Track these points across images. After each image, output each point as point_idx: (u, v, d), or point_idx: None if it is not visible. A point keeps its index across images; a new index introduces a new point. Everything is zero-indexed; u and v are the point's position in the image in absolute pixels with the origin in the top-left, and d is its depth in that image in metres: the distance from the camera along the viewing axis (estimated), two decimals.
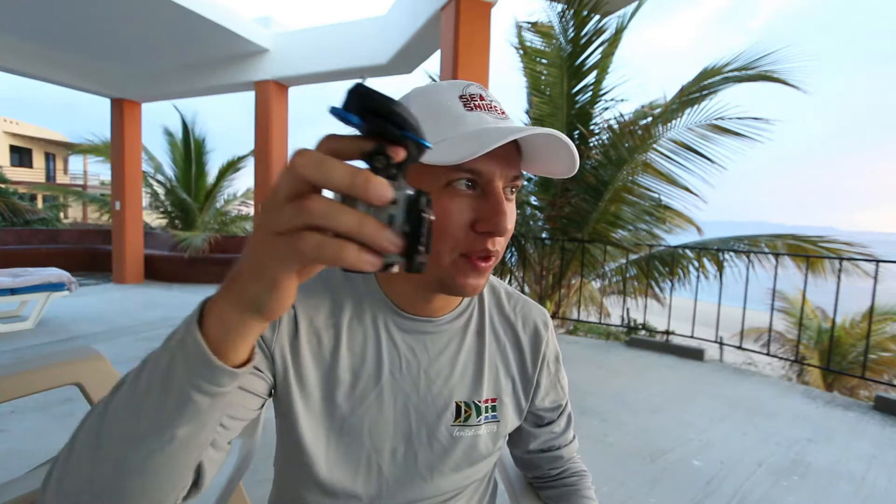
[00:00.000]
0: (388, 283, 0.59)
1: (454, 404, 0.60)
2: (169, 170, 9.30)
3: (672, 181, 4.49)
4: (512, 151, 0.51)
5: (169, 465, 0.36)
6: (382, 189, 0.26)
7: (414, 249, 0.28)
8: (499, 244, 0.51)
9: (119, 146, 6.84)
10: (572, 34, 4.19)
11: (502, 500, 0.77)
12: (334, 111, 0.27)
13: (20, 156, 23.44)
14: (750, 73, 3.91)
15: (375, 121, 0.27)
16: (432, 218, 0.28)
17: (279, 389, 0.56)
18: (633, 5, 4.22)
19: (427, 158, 0.47)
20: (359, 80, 0.27)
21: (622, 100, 4.66)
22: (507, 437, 0.68)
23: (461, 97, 0.51)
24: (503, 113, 0.53)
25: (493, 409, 0.63)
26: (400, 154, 0.28)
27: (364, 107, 0.26)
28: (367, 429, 0.58)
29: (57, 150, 24.21)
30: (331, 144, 0.27)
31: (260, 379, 0.53)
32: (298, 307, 0.56)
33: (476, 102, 0.51)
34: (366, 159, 0.27)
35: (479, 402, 0.62)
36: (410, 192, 0.28)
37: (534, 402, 0.67)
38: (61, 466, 0.38)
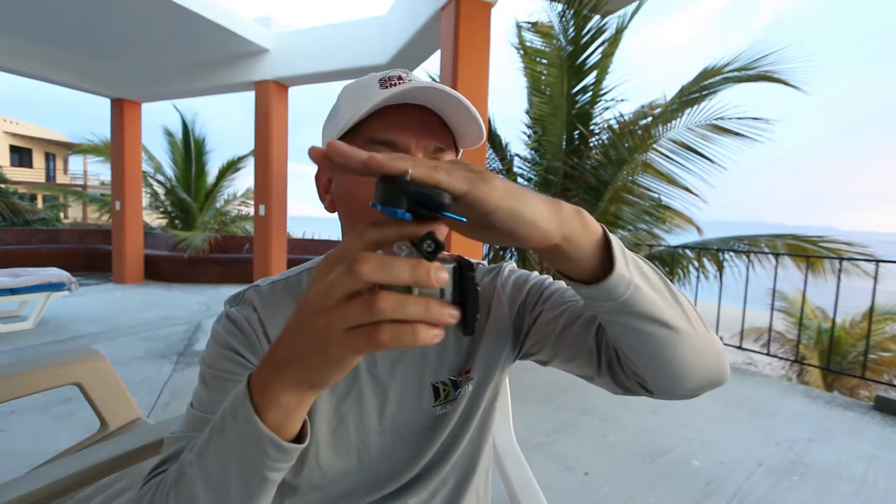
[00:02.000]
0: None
1: (430, 386, 0.61)
2: (169, 170, 9.31)
3: (672, 181, 4.48)
4: (432, 123, 0.52)
5: None
6: (442, 277, 0.28)
7: (470, 317, 0.30)
8: None
9: (119, 146, 6.84)
10: (572, 34, 4.19)
11: (503, 502, 0.77)
12: (384, 209, 0.30)
13: (20, 156, 23.45)
14: (750, 74, 3.91)
15: (423, 212, 0.30)
16: (479, 287, 0.30)
17: None
18: (634, 5, 4.22)
19: (329, 135, 0.51)
20: (401, 178, 0.29)
21: (622, 100, 4.66)
22: (496, 396, 0.66)
23: (380, 80, 0.53)
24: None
25: (470, 376, 0.63)
26: (442, 233, 0.31)
27: (411, 201, 0.29)
28: (352, 425, 0.59)
29: (57, 150, 24.22)
30: (378, 235, 0.31)
31: None
32: (269, 326, 0.56)
33: (393, 82, 0.52)
34: (414, 244, 0.30)
35: (456, 377, 0.62)
36: (453, 264, 0.31)
37: (521, 323, 0.63)
38: None
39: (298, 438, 0.38)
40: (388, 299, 0.28)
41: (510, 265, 0.70)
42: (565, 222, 0.36)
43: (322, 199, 0.60)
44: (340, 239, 0.62)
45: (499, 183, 0.33)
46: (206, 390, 0.53)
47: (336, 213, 0.60)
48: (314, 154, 0.31)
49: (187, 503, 0.38)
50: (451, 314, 0.29)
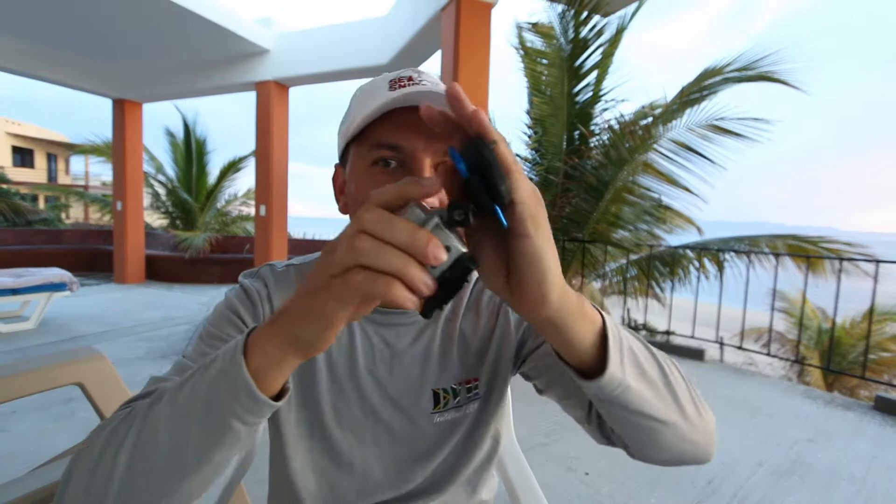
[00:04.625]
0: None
1: (430, 391, 0.61)
2: (170, 170, 9.32)
3: (672, 181, 4.48)
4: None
5: (198, 484, 0.38)
6: (438, 253, 0.28)
7: (441, 300, 0.30)
8: None
9: (120, 146, 6.85)
10: (573, 35, 4.19)
11: (503, 502, 0.77)
12: (452, 153, 0.30)
13: (22, 156, 23.48)
14: (750, 74, 3.91)
15: (478, 184, 0.29)
16: (472, 279, 0.30)
17: None
18: (634, 6, 4.22)
19: (342, 137, 0.52)
20: (492, 142, 0.30)
21: (623, 100, 4.66)
22: (504, 418, 0.67)
23: (391, 81, 0.53)
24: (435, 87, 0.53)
25: (475, 388, 0.63)
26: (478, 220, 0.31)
27: (478, 168, 0.29)
28: (349, 423, 0.59)
29: (58, 151, 24.25)
30: (380, 198, 0.31)
31: None
32: (277, 304, 0.58)
33: (402, 83, 0.52)
34: (450, 204, 0.30)
35: (457, 385, 0.62)
36: (463, 249, 0.30)
37: (524, 345, 0.63)
38: (86, 473, 0.38)
39: (277, 400, 0.37)
40: (367, 241, 0.28)
41: None
42: (566, 298, 0.36)
43: (337, 200, 0.60)
44: None
45: (546, 221, 0.34)
46: (201, 345, 0.53)
47: (348, 215, 0.60)
48: (428, 110, 0.32)
49: (150, 431, 0.37)
50: (427, 284, 0.29)
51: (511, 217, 0.31)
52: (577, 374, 0.42)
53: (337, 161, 0.60)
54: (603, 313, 0.42)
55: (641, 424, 0.44)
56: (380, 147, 0.50)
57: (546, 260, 0.33)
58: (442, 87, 0.49)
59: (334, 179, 0.61)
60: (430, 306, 0.30)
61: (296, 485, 0.59)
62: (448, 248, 0.29)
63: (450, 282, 0.30)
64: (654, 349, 0.47)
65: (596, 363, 0.41)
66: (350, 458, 0.59)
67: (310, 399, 0.58)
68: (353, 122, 0.52)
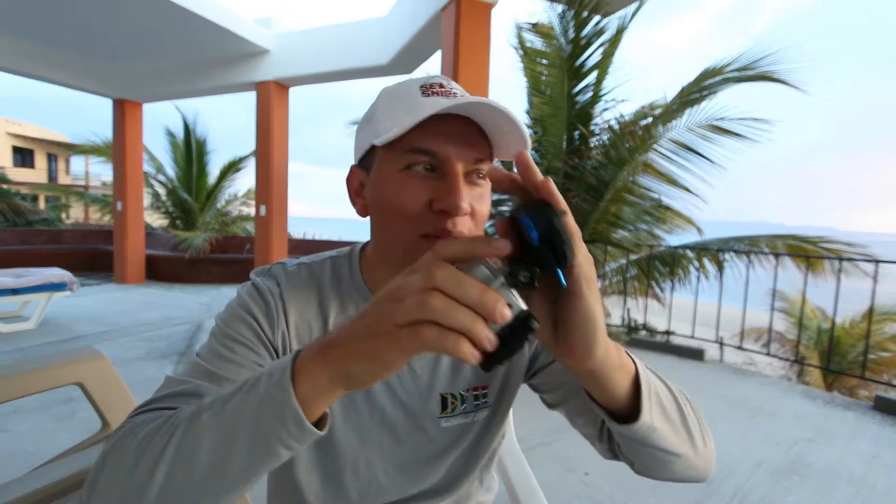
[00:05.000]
0: (372, 277, 0.60)
1: (438, 396, 0.61)
2: (170, 170, 9.33)
3: (672, 181, 4.48)
4: (473, 133, 0.51)
5: (233, 497, 0.39)
6: (504, 313, 0.30)
7: (502, 356, 0.31)
8: (462, 225, 0.50)
9: (120, 147, 6.85)
10: (573, 35, 4.19)
11: (503, 502, 0.77)
12: (525, 221, 0.32)
13: (22, 156, 23.49)
14: (750, 74, 3.91)
15: (547, 250, 0.32)
16: (533, 334, 0.32)
17: None
18: (634, 6, 4.21)
19: (381, 140, 0.50)
20: (561, 212, 0.32)
21: (623, 100, 4.65)
22: (507, 422, 0.68)
23: (421, 87, 0.53)
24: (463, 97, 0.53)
25: (484, 396, 0.63)
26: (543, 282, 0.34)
27: (549, 236, 0.32)
28: (354, 423, 0.59)
29: (59, 151, 24.26)
30: (447, 252, 0.32)
31: None
32: (289, 302, 0.57)
33: (434, 90, 0.52)
34: (513, 264, 0.32)
35: (465, 391, 0.62)
36: (523, 307, 0.32)
37: (537, 358, 0.64)
38: (122, 476, 0.39)
39: (317, 426, 0.38)
40: (440, 299, 0.30)
41: None
42: (608, 351, 0.40)
43: (354, 202, 0.59)
44: (370, 241, 0.62)
45: (596, 281, 0.36)
46: (216, 345, 0.53)
47: (367, 217, 0.59)
48: (496, 172, 0.35)
49: (192, 445, 0.37)
50: (491, 341, 0.30)
51: (568, 278, 0.34)
52: (609, 417, 0.46)
53: (353, 163, 0.59)
54: (636, 360, 0.45)
55: (657, 457, 0.48)
56: (414, 152, 0.49)
57: (597, 319, 0.36)
58: (471, 97, 0.49)
59: (349, 181, 0.60)
60: (491, 361, 0.32)
61: (300, 484, 0.59)
62: (510, 306, 0.31)
63: (511, 338, 0.31)
64: (672, 386, 0.51)
65: (628, 407, 0.45)
66: (354, 458, 0.59)
67: None
68: (383, 125, 0.52)
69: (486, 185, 0.54)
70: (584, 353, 0.37)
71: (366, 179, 0.57)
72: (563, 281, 0.34)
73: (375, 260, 0.60)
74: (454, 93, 0.53)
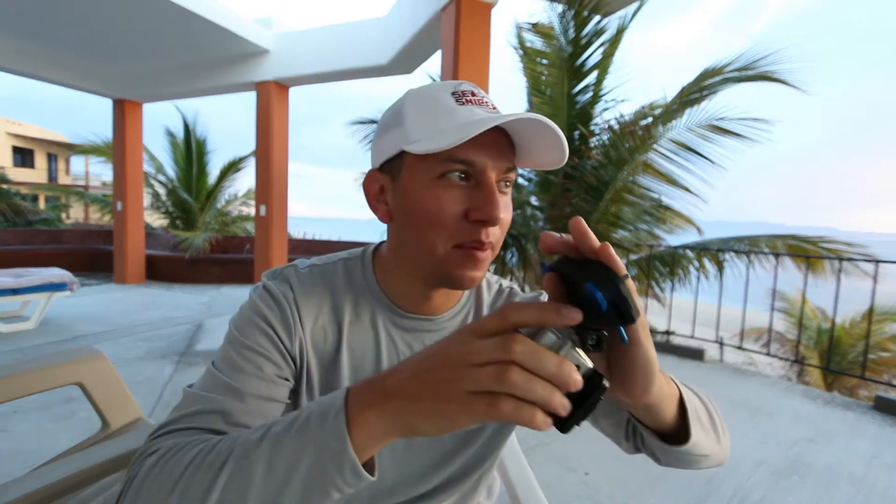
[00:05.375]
0: (388, 280, 0.60)
1: None
2: (170, 170, 9.34)
3: (672, 181, 4.48)
4: (504, 144, 0.52)
5: None
6: (578, 381, 0.31)
7: (577, 418, 0.32)
8: (492, 235, 0.51)
9: (120, 147, 6.85)
10: (573, 35, 4.19)
11: (503, 502, 0.77)
12: (592, 289, 0.32)
13: (22, 156, 23.49)
14: (750, 74, 3.91)
15: (615, 316, 0.33)
16: (602, 397, 0.32)
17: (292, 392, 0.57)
18: (634, 6, 4.22)
19: (420, 148, 0.49)
20: (625, 276, 0.33)
21: (623, 100, 4.66)
22: (513, 426, 0.68)
23: (453, 94, 0.52)
24: (494, 108, 0.53)
25: None
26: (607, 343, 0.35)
27: (616, 304, 0.32)
28: None
29: (59, 151, 24.26)
30: (519, 318, 0.32)
31: (286, 387, 0.55)
32: (303, 307, 0.57)
33: (468, 98, 0.52)
34: (580, 328, 0.34)
35: None
36: (590, 365, 0.33)
37: None
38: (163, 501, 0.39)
39: (366, 467, 0.38)
40: (520, 375, 0.30)
41: (546, 297, 0.69)
42: (661, 386, 0.42)
43: (374, 209, 0.58)
44: (386, 244, 0.61)
45: (647, 328, 0.38)
46: (232, 354, 0.52)
47: (387, 223, 0.58)
48: (550, 238, 0.37)
49: (242, 486, 0.37)
50: (565, 407, 0.31)
51: (629, 332, 0.36)
52: (658, 438, 0.49)
53: (371, 166, 0.58)
54: (677, 383, 0.49)
55: (690, 460, 0.51)
56: (451, 161, 0.49)
57: (654, 362, 0.39)
58: (523, 113, 0.48)
59: (367, 186, 0.58)
60: (567, 424, 0.32)
61: None
62: (578, 367, 0.32)
63: (583, 400, 0.32)
64: (700, 394, 0.54)
65: (674, 428, 0.48)
66: None
67: None
68: (421, 133, 0.50)
69: (510, 193, 0.55)
70: (642, 392, 0.40)
71: (388, 184, 0.56)
72: (626, 337, 0.36)
73: (393, 263, 0.59)
74: (486, 101, 0.53)
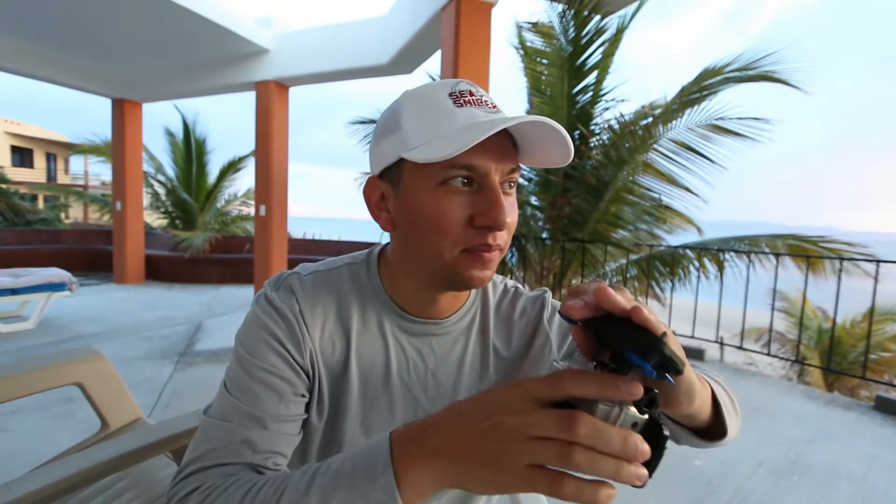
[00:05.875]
0: (393, 284, 0.59)
1: None
2: (170, 170, 9.32)
3: (672, 181, 4.48)
4: (507, 145, 0.51)
5: None
6: (646, 451, 0.30)
7: (651, 470, 0.32)
8: (500, 238, 0.51)
9: (120, 146, 6.85)
10: (573, 34, 4.19)
11: (503, 501, 0.77)
12: (634, 359, 0.31)
13: (21, 156, 23.46)
14: (751, 74, 3.90)
15: (662, 374, 0.32)
16: (666, 447, 0.32)
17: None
18: (634, 6, 4.21)
19: (421, 156, 0.48)
20: (663, 335, 0.32)
21: (623, 100, 4.65)
22: None
23: (451, 94, 0.51)
24: (494, 107, 0.52)
25: None
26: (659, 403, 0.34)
27: (663, 366, 0.32)
28: (377, 433, 0.58)
29: (58, 151, 24.24)
30: (577, 391, 0.31)
31: (302, 403, 0.55)
32: (309, 317, 0.55)
33: (466, 98, 0.51)
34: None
35: None
36: (645, 417, 0.32)
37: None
38: None
39: None
40: (583, 455, 0.30)
41: (550, 295, 0.69)
42: (701, 393, 0.43)
43: (376, 217, 0.57)
44: (391, 249, 0.60)
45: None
46: (245, 378, 0.52)
47: (390, 231, 0.58)
48: (572, 311, 0.34)
49: None
50: (640, 476, 0.31)
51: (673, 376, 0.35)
52: (695, 436, 0.50)
53: (370, 173, 0.57)
54: (709, 381, 0.48)
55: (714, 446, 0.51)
56: (453, 167, 0.48)
57: (695, 385, 0.40)
58: (525, 116, 0.48)
59: (368, 193, 0.57)
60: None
61: None
62: (635, 423, 0.32)
63: (655, 457, 0.32)
64: (721, 382, 0.54)
65: (708, 424, 0.48)
66: None
67: (339, 409, 0.57)
68: (420, 138, 0.49)
69: (514, 193, 0.54)
70: (686, 408, 0.41)
71: (389, 192, 0.55)
72: (671, 380, 0.35)
73: (399, 269, 0.58)
74: (485, 101, 0.52)
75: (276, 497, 0.39)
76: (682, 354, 0.34)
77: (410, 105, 0.51)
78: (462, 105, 0.50)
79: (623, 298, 0.32)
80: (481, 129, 0.45)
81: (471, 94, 0.51)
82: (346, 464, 0.38)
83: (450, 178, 0.49)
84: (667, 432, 0.32)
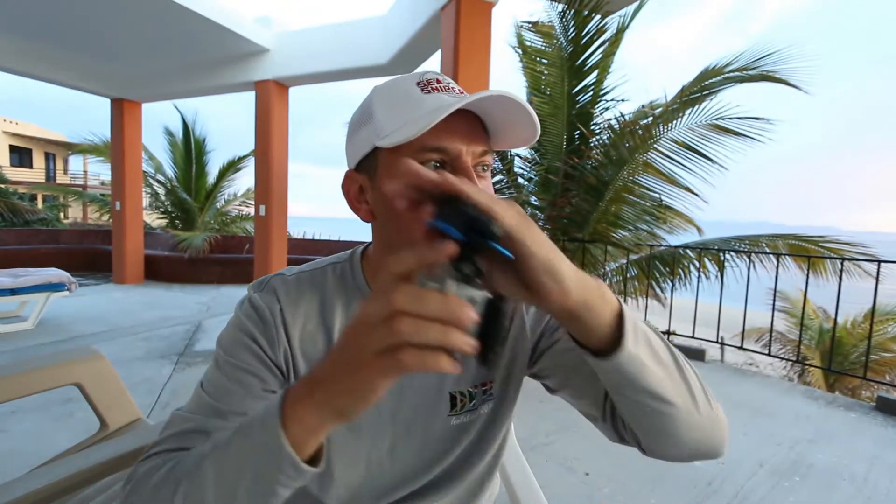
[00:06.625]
0: (377, 280, 0.60)
1: (448, 395, 0.60)
2: (169, 170, 9.32)
3: (673, 181, 4.47)
4: (477, 127, 0.52)
5: None
6: (470, 315, 0.30)
7: (489, 351, 0.32)
8: None
9: (119, 146, 6.84)
10: (573, 34, 4.19)
11: (503, 502, 0.76)
12: (435, 225, 0.32)
13: (20, 156, 23.47)
14: (751, 74, 3.90)
15: (474, 236, 0.32)
16: (509, 323, 0.31)
17: None
18: (634, 5, 4.21)
19: (390, 141, 0.49)
20: (453, 196, 0.32)
21: (623, 100, 4.65)
22: (511, 414, 0.67)
23: (418, 83, 0.53)
24: (462, 93, 0.53)
25: (490, 390, 0.63)
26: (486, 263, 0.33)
27: (466, 224, 0.31)
28: (365, 426, 0.58)
29: (57, 150, 24.25)
30: (400, 267, 0.32)
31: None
32: (290, 316, 0.56)
33: (433, 86, 0.52)
34: (455, 262, 0.32)
35: (473, 388, 0.61)
36: (488, 295, 0.32)
37: (538, 345, 0.62)
38: None
39: (313, 460, 0.39)
40: (406, 322, 0.30)
41: None
42: (587, 289, 0.39)
43: (356, 209, 0.58)
44: (372, 244, 0.61)
45: (539, 231, 0.36)
46: (220, 376, 0.53)
47: (370, 223, 0.58)
48: (392, 189, 0.36)
49: (197, 496, 0.40)
50: (470, 344, 0.31)
51: (507, 246, 0.34)
52: (594, 355, 0.43)
53: (347, 167, 0.58)
54: (619, 299, 0.43)
55: (654, 408, 0.44)
56: (424, 150, 0.49)
57: (554, 263, 0.36)
58: (488, 91, 0.48)
59: (346, 187, 0.57)
60: (483, 357, 0.32)
61: (311, 488, 0.59)
62: (472, 299, 0.31)
63: (490, 328, 0.32)
64: (669, 344, 0.48)
65: (612, 344, 0.42)
66: (367, 459, 0.59)
67: None
68: (391, 126, 0.50)
69: (489, 176, 0.55)
70: (560, 295, 0.37)
71: (366, 183, 0.55)
72: (507, 253, 0.34)
73: (381, 263, 0.59)
74: (452, 88, 0.53)
75: (189, 463, 0.42)
76: (504, 214, 0.33)
77: (381, 97, 0.53)
78: (430, 92, 0.52)
79: (429, 174, 0.35)
80: (447, 108, 0.46)
81: (438, 81, 0.53)
82: (245, 420, 0.41)
83: (422, 162, 0.49)
84: (505, 306, 0.32)
